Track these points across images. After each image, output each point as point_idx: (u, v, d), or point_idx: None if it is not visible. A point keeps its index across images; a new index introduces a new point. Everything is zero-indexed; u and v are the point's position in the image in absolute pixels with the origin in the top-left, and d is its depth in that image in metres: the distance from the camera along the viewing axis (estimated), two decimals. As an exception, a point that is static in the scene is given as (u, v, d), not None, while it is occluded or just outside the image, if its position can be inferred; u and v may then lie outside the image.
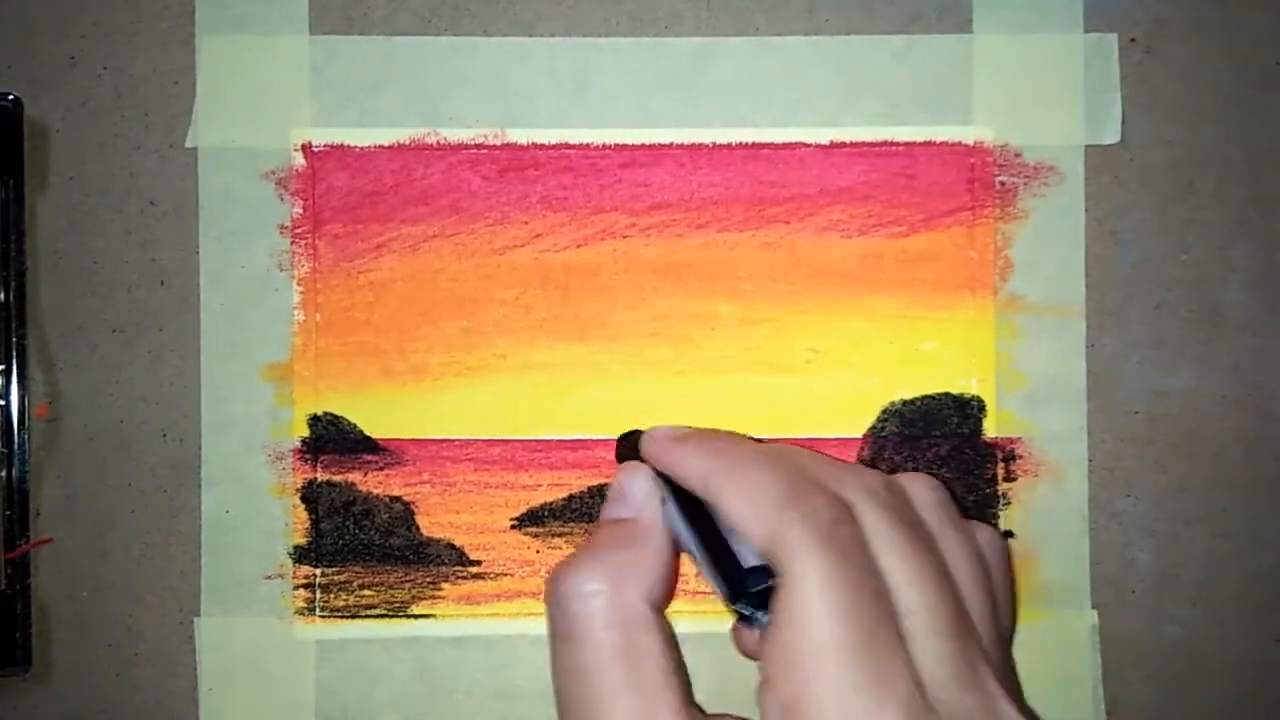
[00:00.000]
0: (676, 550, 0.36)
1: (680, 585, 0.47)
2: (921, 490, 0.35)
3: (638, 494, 0.35)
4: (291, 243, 0.48)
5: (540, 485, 0.48)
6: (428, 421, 0.48)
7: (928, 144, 0.48)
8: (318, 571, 0.48)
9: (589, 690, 0.30)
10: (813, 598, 0.28)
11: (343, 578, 0.48)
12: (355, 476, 0.48)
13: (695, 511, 0.35)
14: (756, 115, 0.48)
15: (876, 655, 0.27)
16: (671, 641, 0.32)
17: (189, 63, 0.48)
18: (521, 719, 0.48)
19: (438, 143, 0.48)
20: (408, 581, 0.48)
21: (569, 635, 0.31)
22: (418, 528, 0.48)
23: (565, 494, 0.48)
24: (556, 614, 0.32)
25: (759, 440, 0.37)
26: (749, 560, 0.32)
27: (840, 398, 0.48)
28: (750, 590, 0.31)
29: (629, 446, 0.39)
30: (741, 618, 0.33)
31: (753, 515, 0.31)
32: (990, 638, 0.32)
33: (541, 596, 0.48)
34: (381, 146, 0.48)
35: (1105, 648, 0.48)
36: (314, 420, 0.48)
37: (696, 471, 0.33)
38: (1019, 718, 0.30)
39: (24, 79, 0.48)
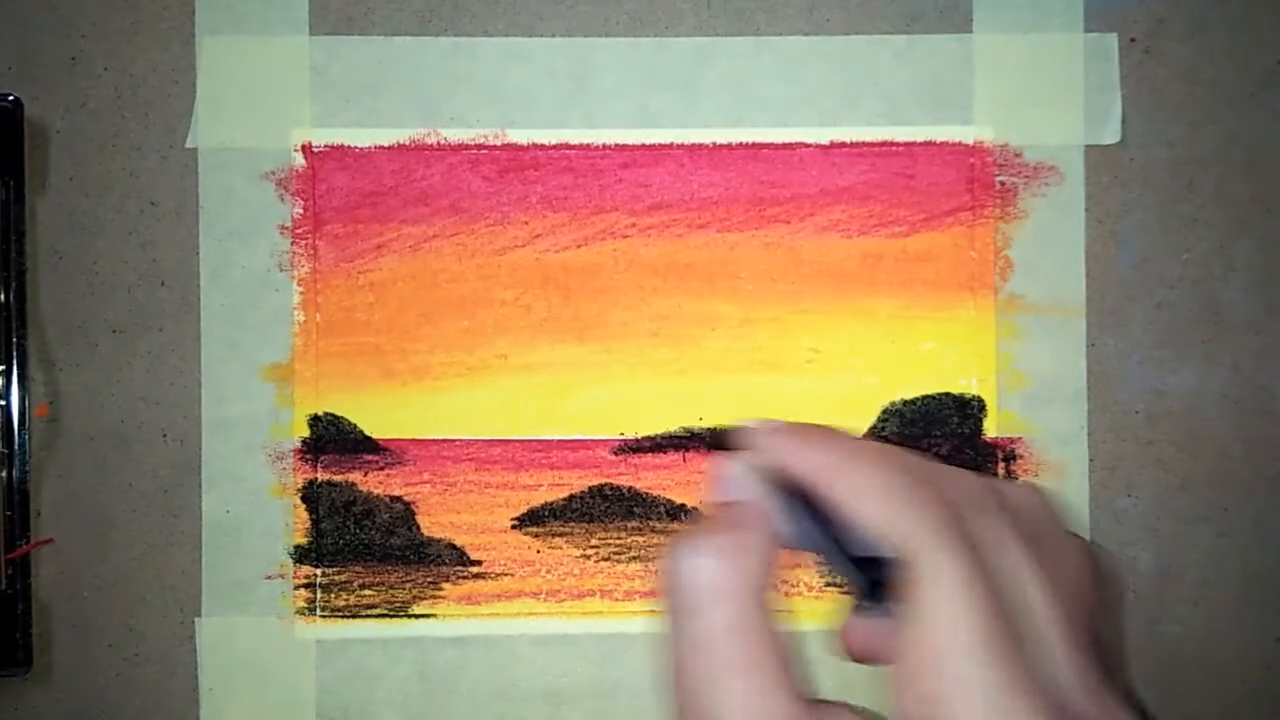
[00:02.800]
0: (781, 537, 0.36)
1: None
2: (1027, 499, 0.35)
3: (739, 479, 0.35)
4: (291, 243, 0.48)
5: (540, 485, 0.48)
6: (428, 421, 0.48)
7: (928, 144, 0.48)
8: (318, 571, 0.48)
9: (702, 665, 0.30)
10: (953, 596, 0.28)
11: (343, 578, 0.48)
12: (355, 476, 0.48)
13: (803, 506, 0.35)
14: (757, 115, 0.48)
15: (1018, 658, 0.27)
16: (781, 622, 0.32)
17: (189, 63, 0.48)
18: (521, 719, 0.48)
19: (438, 143, 0.48)
20: (408, 581, 0.48)
21: (683, 610, 0.32)
22: (418, 528, 0.48)
23: (565, 494, 0.48)
24: (672, 590, 0.32)
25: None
26: (867, 544, 0.32)
27: (840, 398, 0.48)
28: (884, 581, 0.31)
29: (720, 443, 0.39)
30: (864, 610, 0.33)
31: (881, 509, 0.31)
32: (1109, 648, 0.32)
33: (543, 596, 0.48)
34: (381, 146, 0.48)
35: (1106, 647, 0.48)
36: (314, 420, 0.48)
37: (812, 463, 0.33)
38: None
39: (24, 79, 0.48)
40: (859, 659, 0.32)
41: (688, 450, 0.48)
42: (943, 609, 0.28)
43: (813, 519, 0.33)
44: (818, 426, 0.35)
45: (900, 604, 0.30)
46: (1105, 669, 0.31)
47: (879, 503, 0.30)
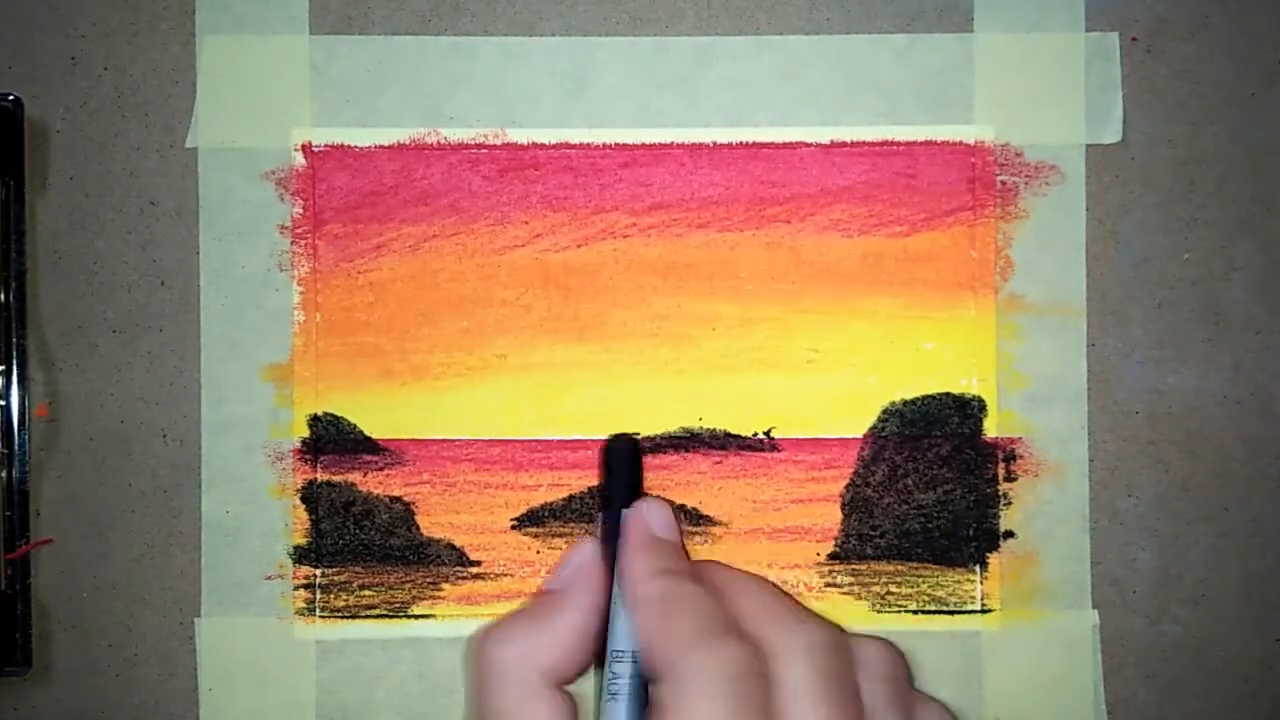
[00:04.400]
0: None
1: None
2: (875, 658, 0.34)
3: (572, 567, 0.35)
4: (291, 243, 0.48)
5: (540, 485, 0.48)
6: (428, 421, 0.48)
7: (928, 143, 0.48)
8: (318, 572, 0.48)
9: None
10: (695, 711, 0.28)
11: (343, 578, 0.48)
12: (355, 477, 0.48)
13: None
14: (757, 115, 0.48)
15: None
16: (566, 716, 0.33)
17: (189, 63, 0.48)
18: (522, 719, 0.48)
19: (438, 143, 0.48)
20: (408, 581, 0.48)
21: (474, 694, 0.32)
22: (418, 528, 0.48)
23: (565, 494, 0.48)
24: (470, 672, 0.33)
25: (726, 565, 0.37)
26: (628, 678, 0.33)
27: (840, 398, 0.48)
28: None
29: (617, 456, 0.38)
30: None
31: (658, 643, 0.31)
32: None
33: (542, 596, 0.48)
34: (381, 146, 0.48)
35: (1105, 648, 0.48)
36: (314, 420, 0.48)
37: (632, 581, 0.34)
38: None
39: (24, 79, 0.48)
40: None
41: (688, 450, 0.48)
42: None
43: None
44: (670, 551, 0.34)
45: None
46: None
47: (659, 640, 0.31)
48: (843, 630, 0.33)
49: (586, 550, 0.36)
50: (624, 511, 0.35)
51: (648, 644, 0.32)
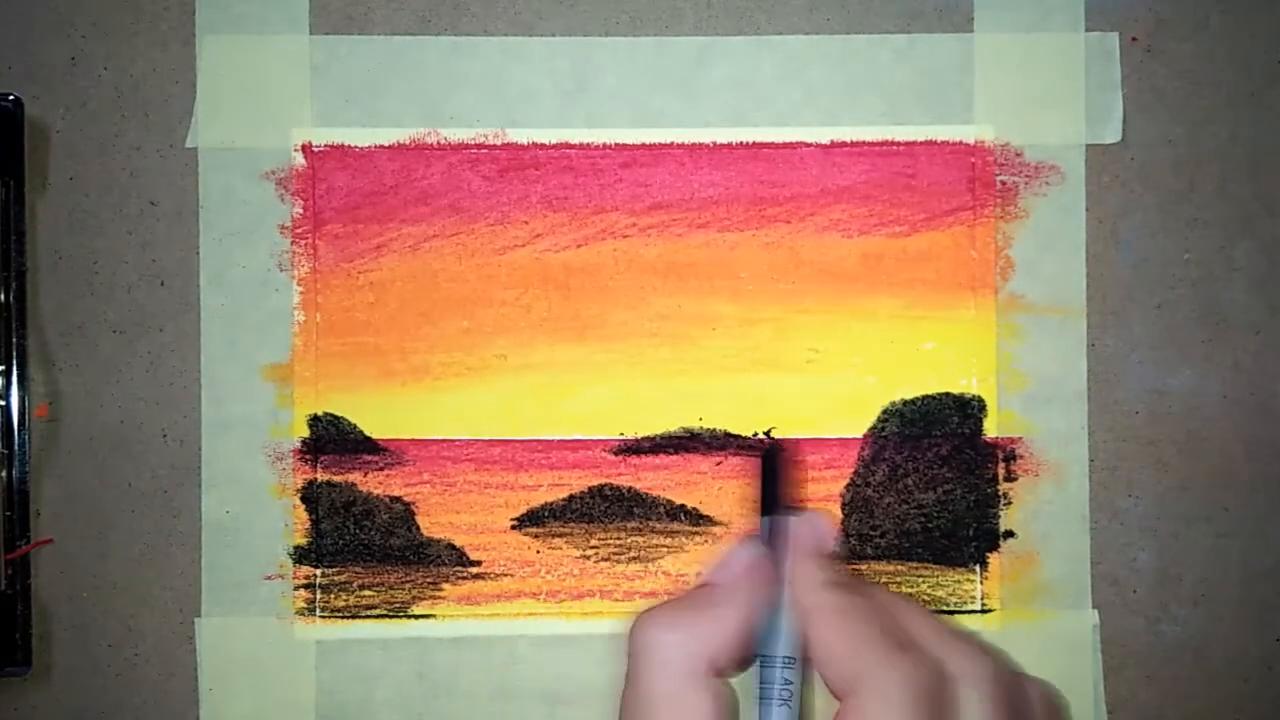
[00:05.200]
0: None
1: (681, 585, 0.47)
2: (1039, 697, 0.34)
3: (735, 565, 0.36)
4: (291, 243, 0.48)
5: (540, 485, 0.48)
6: (428, 421, 0.48)
7: (929, 143, 0.48)
8: (318, 572, 0.48)
9: None
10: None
11: (343, 578, 0.48)
12: (355, 477, 0.48)
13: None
14: (757, 115, 0.48)
15: None
16: (727, 706, 0.33)
17: (189, 63, 0.48)
18: (521, 719, 0.48)
19: (438, 143, 0.48)
20: (408, 581, 0.48)
21: (631, 677, 0.32)
22: (418, 528, 0.48)
23: (565, 494, 0.48)
24: (629, 655, 0.33)
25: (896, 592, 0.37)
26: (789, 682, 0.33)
27: (840, 398, 0.48)
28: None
29: (774, 461, 0.38)
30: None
31: (843, 649, 0.31)
32: None
33: (543, 596, 0.48)
34: (382, 146, 0.48)
35: (1105, 648, 0.48)
36: (314, 420, 0.48)
37: (807, 589, 0.34)
38: None
39: (24, 79, 0.48)
40: None
41: (688, 450, 0.48)
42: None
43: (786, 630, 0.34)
44: (843, 572, 0.34)
45: None
46: None
47: (843, 646, 0.31)
48: (1004, 661, 0.33)
49: (751, 550, 0.35)
50: (791, 519, 0.36)
51: (826, 653, 0.32)
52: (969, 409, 0.48)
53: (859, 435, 0.48)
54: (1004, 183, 0.48)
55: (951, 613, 0.48)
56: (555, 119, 0.48)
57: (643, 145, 0.48)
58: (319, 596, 0.48)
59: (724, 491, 0.48)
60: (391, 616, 0.48)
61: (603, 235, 0.48)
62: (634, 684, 0.32)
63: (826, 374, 0.48)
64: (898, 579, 0.48)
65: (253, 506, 0.48)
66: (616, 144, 0.48)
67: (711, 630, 0.33)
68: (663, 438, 0.48)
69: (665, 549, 0.48)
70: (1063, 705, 0.35)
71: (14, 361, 0.47)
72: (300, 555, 0.48)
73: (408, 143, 0.48)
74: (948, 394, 0.48)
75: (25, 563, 0.47)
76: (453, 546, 0.48)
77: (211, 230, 0.48)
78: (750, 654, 0.34)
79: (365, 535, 0.48)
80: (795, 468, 0.38)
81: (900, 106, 0.48)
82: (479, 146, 0.48)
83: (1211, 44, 0.48)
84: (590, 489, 0.48)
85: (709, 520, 0.48)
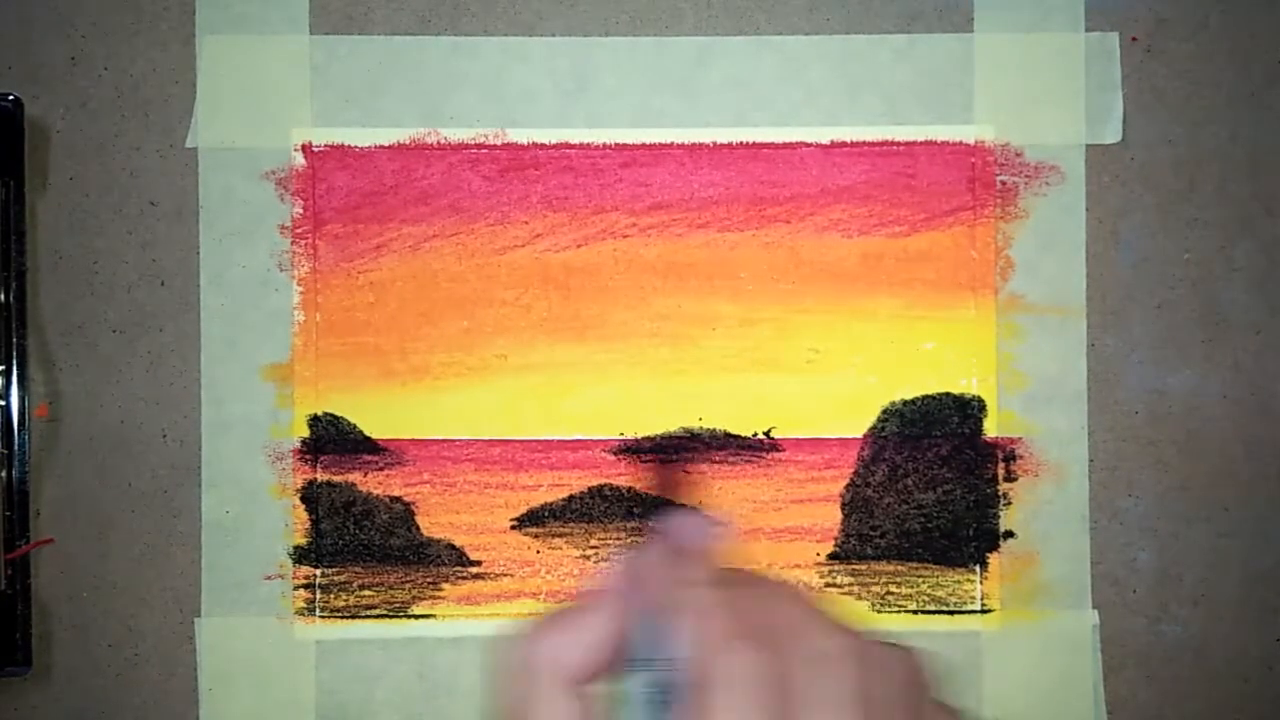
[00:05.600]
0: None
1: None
2: (895, 666, 0.35)
3: (614, 574, 0.37)
4: (291, 243, 0.48)
5: (540, 485, 0.48)
6: (428, 421, 0.48)
7: (929, 143, 0.48)
8: (318, 572, 0.48)
9: None
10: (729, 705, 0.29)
11: (343, 578, 0.48)
12: (355, 476, 0.48)
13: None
14: (757, 115, 0.48)
15: None
16: (586, 715, 0.33)
17: (189, 63, 0.48)
18: (522, 719, 0.48)
19: (438, 143, 0.48)
20: (408, 581, 0.48)
21: (506, 686, 0.33)
22: (418, 528, 0.48)
23: (565, 494, 0.48)
24: (513, 663, 0.34)
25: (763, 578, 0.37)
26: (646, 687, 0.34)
27: (840, 398, 0.48)
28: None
29: (664, 479, 0.38)
30: None
31: (695, 649, 0.32)
32: None
33: (543, 596, 0.48)
34: (381, 146, 0.48)
35: (1105, 648, 0.48)
36: (314, 420, 0.48)
37: (658, 593, 0.35)
38: None
39: (24, 79, 0.48)
40: None
41: (688, 450, 0.48)
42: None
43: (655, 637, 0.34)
44: (712, 568, 0.35)
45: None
46: None
47: (693, 646, 0.31)
48: (864, 638, 0.33)
49: (636, 556, 0.36)
50: (671, 520, 0.36)
51: (683, 651, 0.32)
52: (969, 409, 0.48)
53: (859, 435, 0.48)
54: (1004, 183, 0.48)
55: (952, 613, 0.48)
56: (555, 119, 0.48)
57: (643, 145, 0.48)
58: (319, 596, 0.48)
59: (724, 491, 0.48)
60: (391, 616, 0.48)
61: (603, 235, 0.48)
62: (505, 691, 0.33)
63: (826, 374, 0.48)
64: (898, 579, 0.48)
65: (253, 506, 0.48)
66: (616, 144, 0.48)
67: (577, 638, 0.34)
68: (663, 438, 0.48)
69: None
70: (920, 666, 0.34)
71: (14, 361, 0.47)
72: (300, 555, 0.48)
73: (408, 143, 0.48)
74: (948, 394, 0.48)
75: (25, 563, 0.47)
76: (453, 546, 0.48)
77: (211, 230, 0.48)
78: (620, 659, 0.35)
79: (365, 535, 0.48)
80: (683, 473, 0.38)
81: (900, 106, 0.48)
82: (479, 146, 0.48)
83: (1211, 44, 0.48)
84: (590, 489, 0.48)
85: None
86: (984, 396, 0.48)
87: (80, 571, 0.47)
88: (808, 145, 0.48)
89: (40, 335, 0.48)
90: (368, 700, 0.47)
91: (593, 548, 0.48)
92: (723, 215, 0.48)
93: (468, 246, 0.48)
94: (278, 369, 0.48)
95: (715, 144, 0.48)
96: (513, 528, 0.48)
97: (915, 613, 0.48)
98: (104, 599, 0.48)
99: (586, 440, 0.48)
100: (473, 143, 0.48)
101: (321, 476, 0.48)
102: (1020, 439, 0.48)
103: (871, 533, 0.48)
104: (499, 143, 0.48)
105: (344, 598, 0.48)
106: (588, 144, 0.48)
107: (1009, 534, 0.48)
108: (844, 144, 0.48)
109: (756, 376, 0.48)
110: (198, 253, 0.48)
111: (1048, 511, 0.48)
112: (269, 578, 0.48)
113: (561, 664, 0.33)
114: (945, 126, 0.48)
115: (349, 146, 0.48)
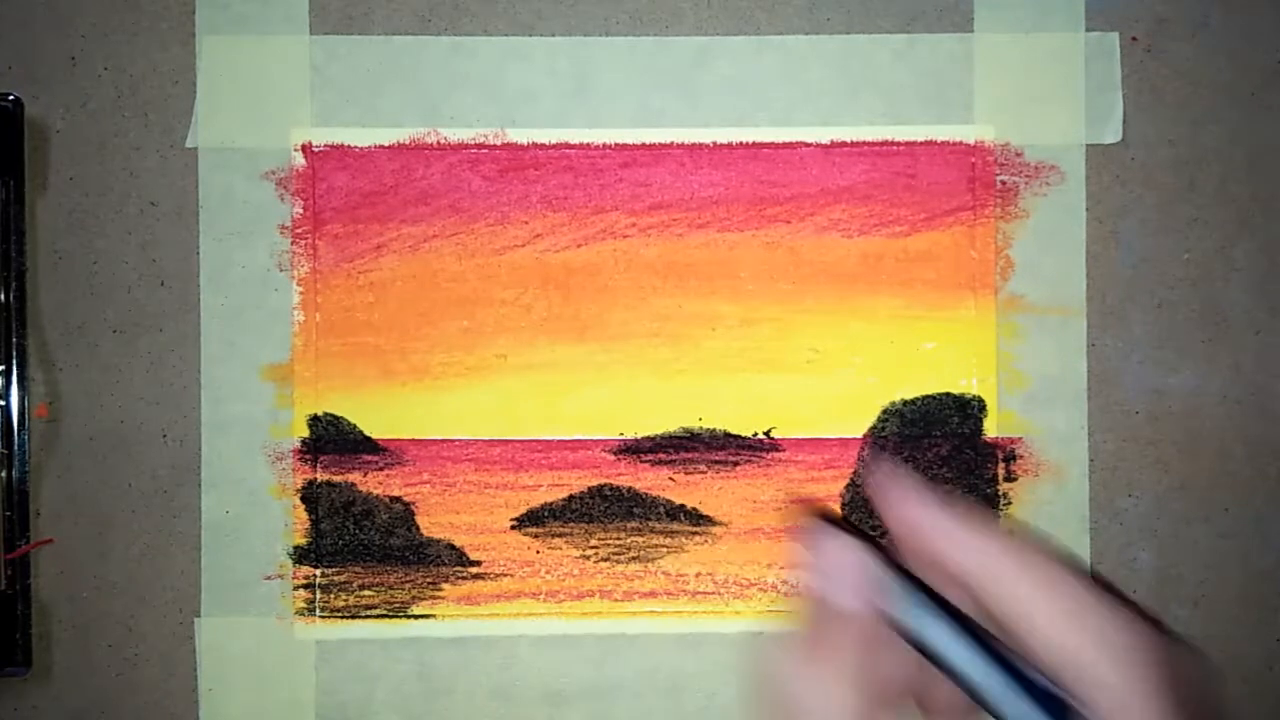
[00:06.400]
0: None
1: (680, 585, 0.47)
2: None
3: (852, 576, 0.29)
4: (291, 243, 0.48)
5: (540, 485, 0.48)
6: (428, 421, 0.48)
7: (929, 143, 0.48)
8: (318, 572, 0.48)
9: None
10: None
11: (343, 578, 0.48)
12: (355, 476, 0.48)
13: (942, 609, 0.29)
14: (757, 115, 0.48)
15: None
16: None
17: (189, 63, 0.48)
18: (521, 719, 0.48)
19: (438, 143, 0.48)
20: (408, 581, 0.48)
21: None
22: (418, 528, 0.48)
23: (565, 494, 0.48)
24: (788, 707, 0.28)
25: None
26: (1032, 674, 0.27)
27: (840, 398, 0.48)
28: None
29: (830, 522, 0.32)
30: None
31: (1070, 640, 0.25)
32: None
33: (543, 597, 0.48)
34: (381, 146, 0.48)
35: (1106, 648, 0.48)
36: (314, 420, 0.48)
37: (977, 564, 0.27)
38: None
39: (24, 79, 0.48)
40: None
41: (688, 450, 0.48)
42: None
43: (962, 630, 0.28)
44: (971, 515, 0.29)
45: None
46: None
47: (1069, 632, 0.25)
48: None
49: (857, 552, 0.29)
50: (872, 476, 0.29)
51: (1031, 625, 0.26)
52: (969, 409, 0.48)
53: (859, 435, 0.48)
54: (1004, 183, 0.48)
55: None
56: (555, 119, 0.48)
57: (643, 145, 0.48)
58: (319, 596, 0.48)
59: (724, 491, 0.48)
60: (391, 616, 0.48)
61: (603, 235, 0.48)
62: None
63: (826, 374, 0.48)
64: (898, 579, 0.48)
65: (253, 506, 0.48)
66: (616, 144, 0.48)
67: (877, 672, 0.28)
68: (663, 438, 0.48)
69: (665, 549, 0.48)
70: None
71: (14, 361, 0.47)
72: (300, 555, 0.48)
73: (408, 143, 0.48)
74: (948, 394, 0.48)
75: (25, 563, 0.47)
76: (453, 546, 0.48)
77: (211, 230, 0.48)
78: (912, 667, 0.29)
79: (365, 535, 0.48)
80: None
81: (900, 106, 0.48)
82: (479, 146, 0.48)
83: (1211, 44, 0.48)
84: (590, 489, 0.48)
85: (709, 520, 0.48)
86: (984, 396, 0.48)
87: (80, 571, 0.47)
88: (808, 145, 0.48)
89: (40, 335, 0.48)
90: (368, 700, 0.47)
91: (592, 548, 0.48)
92: (723, 215, 0.48)
93: (468, 246, 0.48)
94: (278, 369, 0.48)
95: (715, 144, 0.48)
96: (513, 528, 0.48)
97: (915, 613, 0.48)
98: (104, 599, 0.48)
99: (586, 440, 0.48)
100: (473, 143, 0.48)
101: (321, 476, 0.48)
102: (1020, 439, 0.48)
103: (872, 533, 0.48)
104: (499, 143, 0.48)
105: (344, 598, 0.48)
106: (588, 144, 0.48)
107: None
108: (844, 144, 0.48)
109: (756, 376, 0.48)
110: (198, 253, 0.48)
111: (1048, 511, 0.48)
112: (269, 578, 0.48)
113: (869, 709, 0.27)
114: (945, 126, 0.48)
115: (349, 146, 0.48)
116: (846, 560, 0.29)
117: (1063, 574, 0.27)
